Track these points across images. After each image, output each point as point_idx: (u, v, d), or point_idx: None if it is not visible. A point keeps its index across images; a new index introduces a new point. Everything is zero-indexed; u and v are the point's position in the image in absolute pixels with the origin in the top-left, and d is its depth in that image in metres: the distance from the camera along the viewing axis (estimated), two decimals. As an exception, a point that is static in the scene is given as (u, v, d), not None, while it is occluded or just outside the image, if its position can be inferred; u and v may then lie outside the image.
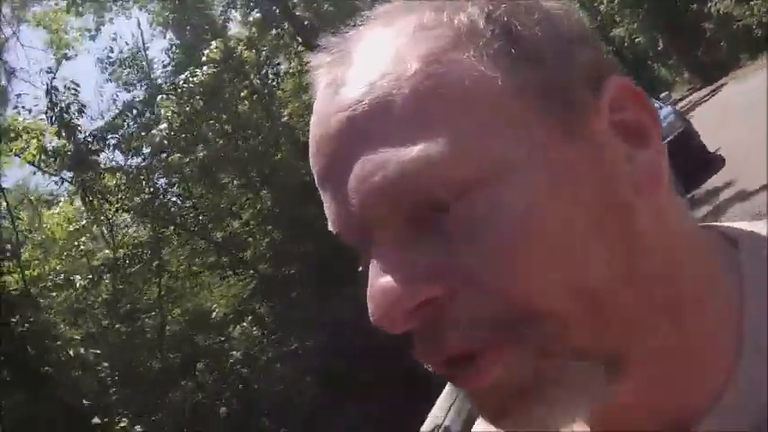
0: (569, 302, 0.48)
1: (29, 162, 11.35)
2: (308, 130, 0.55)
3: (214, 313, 12.66)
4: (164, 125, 9.07)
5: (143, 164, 9.58)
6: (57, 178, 11.55)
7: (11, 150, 10.79)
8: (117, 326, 9.69)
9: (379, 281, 0.49)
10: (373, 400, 10.49)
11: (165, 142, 8.98)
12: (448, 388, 0.73)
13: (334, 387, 11.41)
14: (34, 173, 11.79)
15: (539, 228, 0.47)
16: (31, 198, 11.99)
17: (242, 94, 11.40)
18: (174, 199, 11.11)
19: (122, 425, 8.25)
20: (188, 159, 9.39)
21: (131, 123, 10.78)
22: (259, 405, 12.22)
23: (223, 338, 12.54)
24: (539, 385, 0.49)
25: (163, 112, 9.44)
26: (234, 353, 12.60)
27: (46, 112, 9.51)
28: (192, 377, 11.42)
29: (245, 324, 13.81)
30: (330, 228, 0.53)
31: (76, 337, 8.32)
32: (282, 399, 12.21)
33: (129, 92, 16.55)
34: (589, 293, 0.48)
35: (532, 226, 0.47)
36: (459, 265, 0.48)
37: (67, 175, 11.11)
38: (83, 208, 10.62)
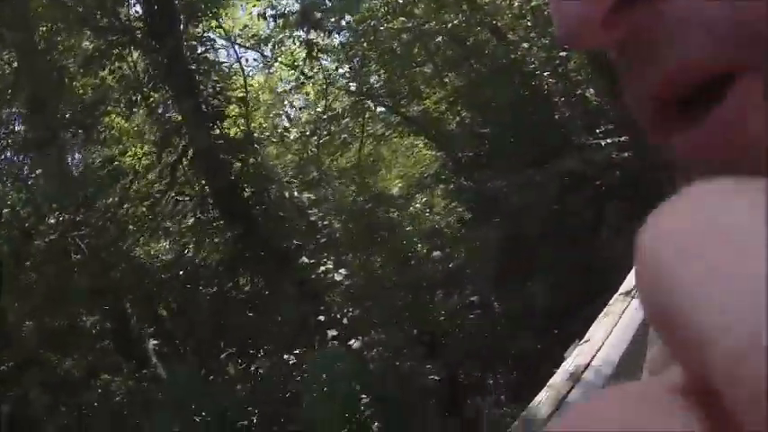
0: None
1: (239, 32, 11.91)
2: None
3: (395, 189, 13.10)
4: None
5: (362, 28, 9.85)
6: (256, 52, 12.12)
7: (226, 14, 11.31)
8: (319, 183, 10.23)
9: None
10: (551, 280, 10.59)
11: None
12: None
13: (514, 266, 11.50)
14: (232, 46, 12.36)
15: None
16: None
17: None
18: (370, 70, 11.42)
19: (328, 266, 8.84)
20: (409, 24, 9.56)
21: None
22: (436, 277, 12.57)
23: (400, 215, 12.95)
24: None
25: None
26: (409, 228, 13.03)
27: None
28: (371, 245, 11.93)
29: (418, 205, 14.22)
30: None
31: (294, 180, 8.89)
32: (460, 272, 12.52)
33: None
34: None
35: None
36: None
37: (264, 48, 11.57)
38: (291, 72, 11.16)
